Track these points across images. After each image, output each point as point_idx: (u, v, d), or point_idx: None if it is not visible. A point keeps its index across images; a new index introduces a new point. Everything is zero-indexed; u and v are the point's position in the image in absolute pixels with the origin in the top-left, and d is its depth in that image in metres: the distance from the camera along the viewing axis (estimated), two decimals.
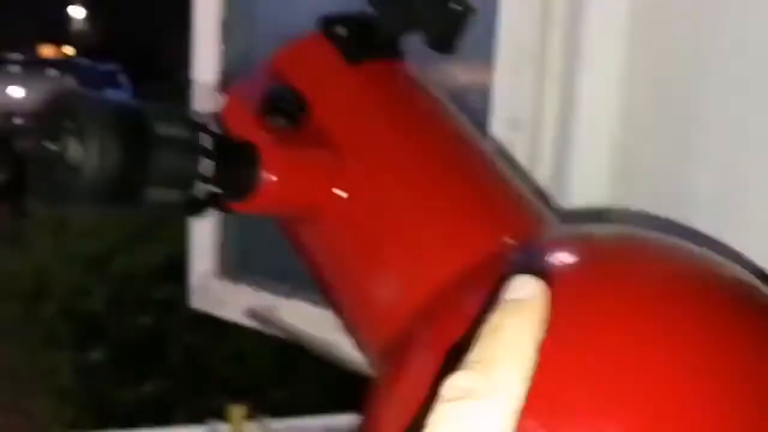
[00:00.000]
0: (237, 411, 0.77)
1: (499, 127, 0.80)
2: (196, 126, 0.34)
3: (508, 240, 0.41)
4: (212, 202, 0.36)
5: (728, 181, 0.60)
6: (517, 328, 0.22)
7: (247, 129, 0.40)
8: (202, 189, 0.35)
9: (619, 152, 0.71)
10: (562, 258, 0.40)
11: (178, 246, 1.15)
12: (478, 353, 0.21)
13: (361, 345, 0.45)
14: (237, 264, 1.13)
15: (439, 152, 0.43)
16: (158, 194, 0.33)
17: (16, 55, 9.03)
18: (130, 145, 0.31)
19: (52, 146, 0.31)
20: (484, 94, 0.82)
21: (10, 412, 2.28)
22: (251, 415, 0.78)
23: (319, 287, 0.47)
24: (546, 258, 0.39)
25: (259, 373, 1.90)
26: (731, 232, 0.58)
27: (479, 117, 0.83)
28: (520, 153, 0.79)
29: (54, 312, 2.23)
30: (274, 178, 0.40)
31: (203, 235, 1.13)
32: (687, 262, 0.40)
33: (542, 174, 0.79)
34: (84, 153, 0.30)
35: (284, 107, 0.40)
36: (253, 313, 1.08)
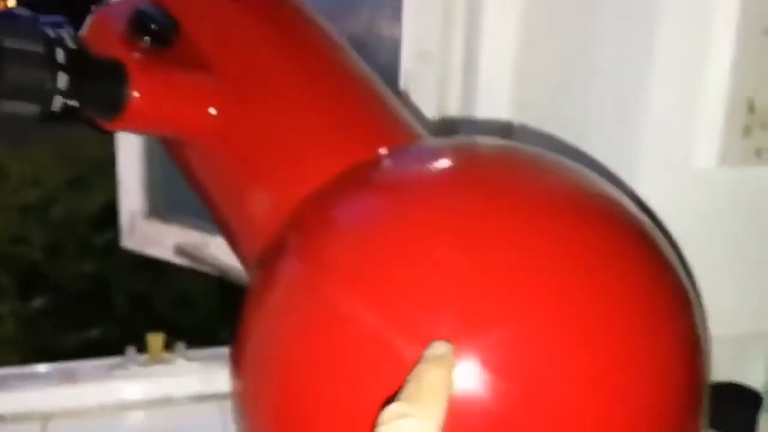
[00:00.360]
0: (155, 340, 0.78)
1: (409, 59, 0.81)
2: (50, 41, 0.35)
3: (382, 151, 0.43)
4: (75, 116, 0.37)
5: (620, 107, 0.62)
6: (435, 374, 0.30)
7: (116, 48, 0.40)
8: (59, 103, 0.35)
9: (521, 80, 0.73)
10: (435, 164, 0.41)
11: (115, 192, 1.15)
12: (407, 392, 0.29)
13: (243, 260, 0.47)
14: (165, 203, 1.13)
15: (312, 69, 0.45)
16: (12, 106, 0.34)
17: None
18: None
19: None
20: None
21: None
22: (169, 344, 0.80)
23: (205, 206, 0.48)
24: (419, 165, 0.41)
25: (204, 314, 1.92)
26: (624, 156, 0.61)
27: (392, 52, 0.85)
28: (430, 84, 0.81)
29: None
30: (143, 96, 0.40)
31: (130, 176, 1.13)
32: (559, 174, 0.42)
33: (452, 102, 0.81)
34: None
35: (154, 27, 0.40)
36: (182, 250, 1.10)
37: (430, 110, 0.82)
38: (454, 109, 0.81)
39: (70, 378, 0.80)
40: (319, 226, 0.39)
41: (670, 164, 0.59)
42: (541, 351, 0.32)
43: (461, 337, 0.32)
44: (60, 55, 0.35)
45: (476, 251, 0.35)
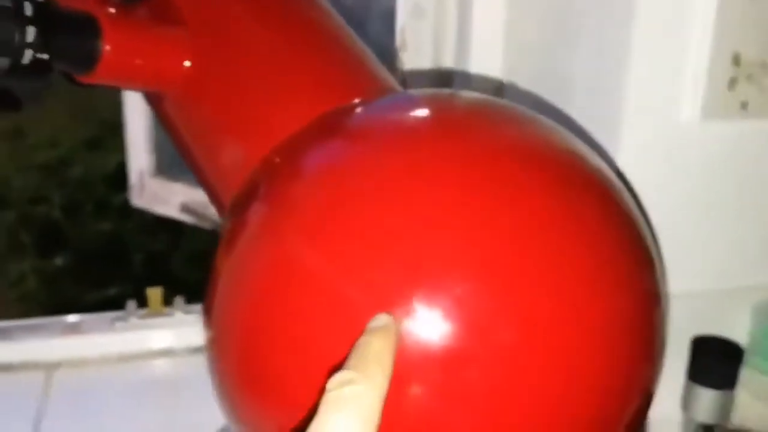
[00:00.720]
0: (154, 294, 0.80)
1: (405, 15, 0.81)
2: None
3: (355, 101, 0.43)
4: (46, 69, 0.38)
5: (603, 61, 0.62)
6: (379, 343, 0.31)
7: (88, 2, 0.41)
8: (29, 56, 0.36)
9: (511, 36, 0.73)
10: (405, 114, 0.42)
11: None
12: (353, 360, 0.30)
13: (219, 211, 0.48)
14: (171, 162, 1.15)
15: (285, 21, 0.45)
16: None
17: None
18: None
19: None
20: None
21: None
22: (168, 299, 0.82)
23: (184, 160, 0.49)
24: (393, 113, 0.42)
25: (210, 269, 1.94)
26: (607, 111, 0.61)
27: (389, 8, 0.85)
28: (425, 39, 0.81)
29: (14, 220, 2.25)
30: (116, 50, 0.41)
31: (138, 135, 1.15)
32: (529, 130, 0.42)
33: (446, 59, 0.81)
34: None
35: None
36: (187, 208, 1.11)
37: (426, 64, 0.82)
38: (448, 64, 0.81)
39: (74, 330, 0.82)
40: (285, 172, 0.40)
41: (654, 118, 0.59)
42: (495, 299, 0.33)
43: (411, 285, 0.33)
44: (28, 8, 0.36)
45: (429, 203, 0.35)
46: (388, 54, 0.81)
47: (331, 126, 0.41)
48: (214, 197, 0.48)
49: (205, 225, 1.09)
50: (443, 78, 0.80)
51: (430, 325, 0.33)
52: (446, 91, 0.50)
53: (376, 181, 0.37)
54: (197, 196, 1.10)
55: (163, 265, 2.04)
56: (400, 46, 0.82)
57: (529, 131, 0.42)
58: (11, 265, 2.32)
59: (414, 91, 0.46)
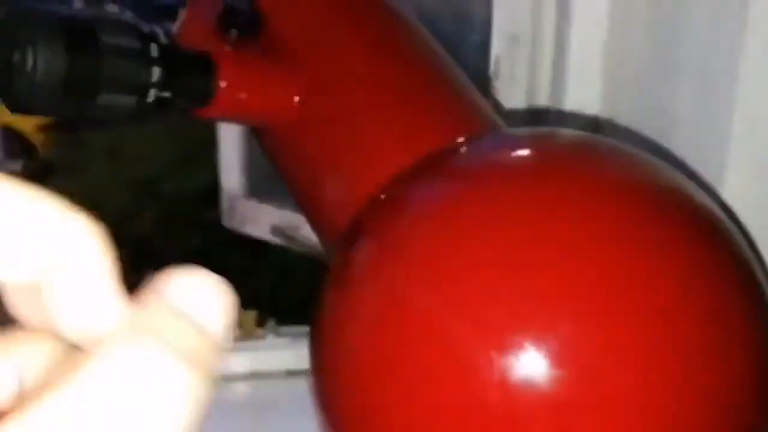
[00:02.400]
0: (248, 317, 0.82)
1: (499, 44, 0.81)
2: (145, 36, 0.38)
3: (459, 140, 0.44)
4: (168, 107, 0.40)
5: (709, 101, 0.61)
6: None
7: (205, 41, 0.43)
8: (153, 95, 0.38)
9: (609, 66, 0.72)
10: (510, 154, 0.42)
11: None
12: None
13: (323, 243, 0.49)
14: (263, 184, 1.17)
15: (393, 59, 0.46)
16: (110, 99, 0.37)
17: None
18: (76, 53, 0.34)
19: (12, 56, 0.35)
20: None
21: None
22: (262, 322, 0.83)
23: (288, 189, 0.50)
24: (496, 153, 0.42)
25: (299, 292, 1.97)
26: (710, 152, 0.59)
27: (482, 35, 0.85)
28: (520, 68, 0.81)
29: (109, 233, 2.33)
30: (231, 87, 0.43)
31: (231, 157, 1.18)
32: (635, 168, 0.42)
33: (541, 86, 0.80)
34: (33, 60, 0.34)
35: (240, 19, 0.43)
36: (278, 231, 1.14)
37: (520, 94, 0.82)
38: (542, 94, 0.80)
39: None
40: (392, 212, 0.41)
41: (761, 152, 0.57)
42: (600, 343, 0.33)
43: (523, 325, 0.33)
44: (154, 50, 0.38)
45: (543, 243, 0.35)
46: (480, 83, 0.81)
47: (438, 165, 0.42)
48: (317, 228, 0.49)
49: (295, 247, 1.11)
50: (536, 112, 0.80)
51: (539, 368, 0.32)
52: (548, 129, 0.50)
53: (484, 222, 0.37)
54: (288, 218, 1.12)
55: (249, 282, 2.08)
56: (494, 75, 0.82)
57: (635, 169, 0.41)
58: None
59: (516, 130, 0.46)
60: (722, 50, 0.58)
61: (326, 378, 0.41)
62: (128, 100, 0.38)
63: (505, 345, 0.33)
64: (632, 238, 0.35)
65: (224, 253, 2.15)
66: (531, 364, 0.32)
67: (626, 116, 0.71)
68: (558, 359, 0.32)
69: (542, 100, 0.80)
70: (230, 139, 1.16)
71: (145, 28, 0.38)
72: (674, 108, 0.64)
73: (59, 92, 0.35)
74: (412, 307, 0.36)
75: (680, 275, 0.35)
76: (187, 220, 2.22)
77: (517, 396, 0.33)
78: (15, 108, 0.36)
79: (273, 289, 2.09)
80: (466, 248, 0.36)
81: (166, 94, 0.39)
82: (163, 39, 0.38)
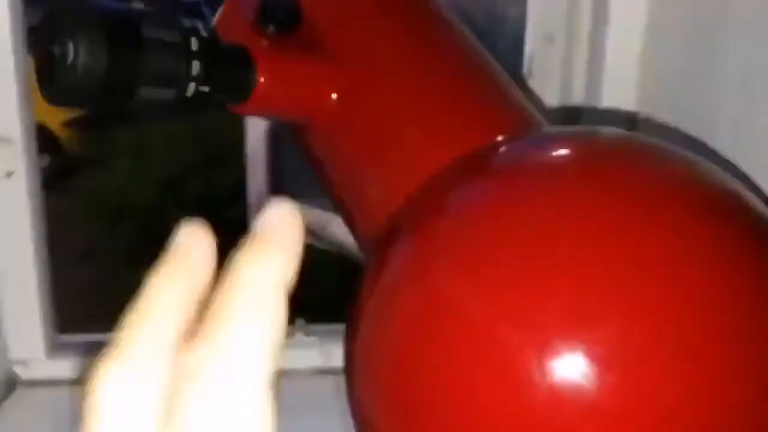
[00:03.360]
0: None
1: (534, 42, 0.80)
2: (185, 30, 0.37)
3: (499, 138, 0.43)
4: (207, 101, 0.39)
5: (748, 100, 0.60)
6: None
7: (243, 35, 0.42)
8: (192, 89, 0.38)
9: (646, 66, 0.71)
10: (552, 153, 0.41)
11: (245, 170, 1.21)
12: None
13: (359, 242, 0.48)
14: (289, 182, 1.17)
15: (432, 56, 0.45)
16: (150, 93, 0.36)
17: None
18: (118, 47, 0.34)
19: (54, 49, 0.35)
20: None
21: (108, 323, 2.44)
22: (291, 319, 0.83)
23: (323, 188, 0.50)
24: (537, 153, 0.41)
25: (325, 290, 1.97)
26: (748, 149, 0.58)
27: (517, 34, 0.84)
28: (554, 66, 0.80)
29: (134, 230, 2.35)
30: (269, 81, 0.42)
31: (258, 156, 1.18)
32: (679, 168, 0.41)
33: (576, 86, 0.79)
34: (75, 54, 0.33)
35: (279, 13, 0.42)
36: (305, 228, 1.13)
37: (554, 94, 0.81)
38: (577, 93, 0.79)
39: None
40: (432, 211, 0.40)
41: None
42: (649, 348, 0.32)
43: (570, 329, 0.32)
44: (194, 44, 0.37)
45: (589, 244, 0.34)
46: (515, 81, 0.80)
47: (478, 165, 0.41)
48: (353, 227, 0.48)
49: (322, 245, 1.10)
50: (571, 110, 0.79)
51: (588, 373, 0.32)
52: (589, 127, 0.49)
53: (527, 222, 0.36)
54: (315, 216, 1.12)
55: None
56: (528, 73, 0.81)
57: (680, 167, 0.40)
58: (130, 275, 2.41)
59: (558, 129, 0.45)
60: (763, 47, 0.57)
61: (362, 379, 0.40)
62: (167, 94, 0.37)
63: (552, 349, 0.32)
64: (684, 240, 0.34)
65: None
66: (579, 370, 0.32)
67: (663, 114, 0.70)
68: (607, 365, 0.32)
69: (577, 98, 0.79)
70: (257, 138, 1.15)
71: (186, 22, 0.38)
72: (713, 106, 0.63)
73: (100, 86, 0.34)
74: (452, 308, 0.35)
75: (736, 280, 0.34)
76: (213, 218, 2.23)
77: (564, 402, 0.32)
78: (55, 101, 0.36)
79: (299, 288, 2.09)
80: (508, 249, 0.35)
81: (205, 89, 0.38)
82: (203, 33, 0.38)
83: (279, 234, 0.24)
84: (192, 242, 0.25)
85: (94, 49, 0.33)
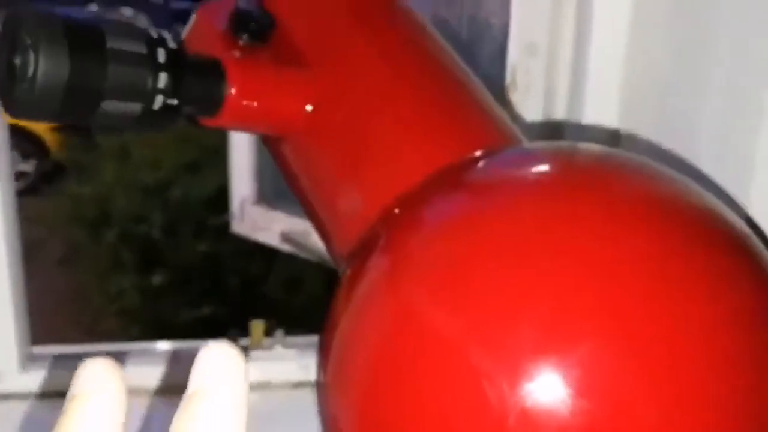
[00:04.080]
0: (257, 326, 0.81)
1: (517, 52, 0.80)
2: (152, 41, 0.36)
3: (476, 153, 0.42)
4: (175, 114, 0.38)
5: (732, 117, 0.59)
6: None
7: (214, 46, 0.41)
8: (159, 102, 0.37)
9: (629, 75, 0.71)
10: (528, 169, 0.41)
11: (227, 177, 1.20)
12: None
13: (333, 255, 0.47)
14: (273, 191, 1.16)
15: (409, 68, 0.44)
16: (115, 106, 0.35)
17: None
18: (80, 58, 0.33)
19: (15, 60, 0.34)
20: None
21: (84, 332, 2.43)
22: (270, 331, 0.82)
23: (298, 199, 0.49)
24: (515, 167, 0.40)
25: (310, 300, 1.97)
26: (729, 167, 0.57)
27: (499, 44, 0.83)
28: (537, 77, 0.79)
29: (116, 238, 2.33)
30: (241, 93, 0.41)
31: (242, 163, 1.17)
32: (658, 186, 0.40)
33: (558, 97, 0.79)
34: (35, 65, 0.32)
35: (251, 24, 0.41)
36: (288, 238, 1.12)
37: (537, 105, 0.80)
38: (560, 104, 0.79)
39: (173, 357, 0.83)
40: (406, 226, 0.39)
41: None
42: (625, 371, 0.31)
43: (543, 351, 0.32)
44: (161, 55, 0.36)
45: (564, 263, 0.34)
46: (497, 93, 0.79)
47: (455, 179, 0.40)
48: (327, 239, 0.47)
49: (305, 255, 1.09)
50: (554, 125, 0.78)
51: (561, 396, 0.31)
52: (569, 143, 0.49)
53: (503, 238, 0.35)
54: (298, 225, 1.11)
55: (256, 288, 2.07)
56: (510, 84, 0.81)
57: (660, 185, 0.40)
58: (112, 280, 2.40)
59: (536, 144, 0.45)
60: (750, 62, 0.57)
61: (334, 392, 0.39)
62: (134, 107, 0.36)
63: (524, 371, 0.31)
64: (660, 259, 0.34)
65: (232, 259, 2.14)
66: (551, 392, 0.31)
67: (646, 129, 0.69)
68: (581, 388, 0.31)
69: (560, 111, 0.78)
70: (242, 146, 1.14)
71: (153, 33, 0.37)
72: (697, 121, 0.62)
73: (62, 98, 0.33)
74: (425, 324, 0.34)
75: (716, 300, 0.33)
76: (195, 225, 2.22)
77: (536, 425, 0.31)
78: (16, 114, 0.35)
79: (280, 294, 2.09)
80: (483, 266, 0.35)
81: (174, 102, 0.37)
82: (171, 44, 0.37)
83: (222, 388, 0.21)
84: (96, 387, 0.21)
85: (55, 60, 0.32)
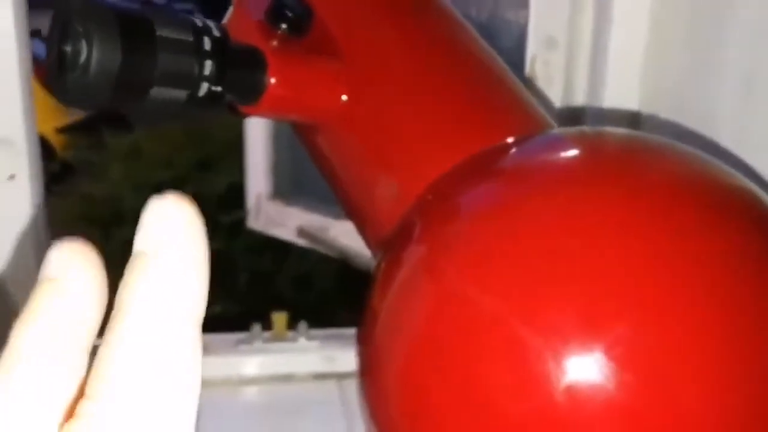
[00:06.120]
0: (279, 318, 0.81)
1: (535, 45, 0.80)
2: (198, 30, 0.37)
3: (508, 139, 0.43)
4: (218, 101, 0.39)
5: (752, 98, 0.60)
6: None
7: (253, 36, 0.42)
8: (204, 89, 0.37)
9: (649, 67, 0.71)
10: (561, 154, 0.41)
11: (242, 173, 1.20)
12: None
13: (369, 242, 0.48)
14: (289, 186, 1.17)
15: (442, 57, 0.45)
16: (162, 93, 0.36)
17: None
18: (132, 47, 0.34)
19: (66, 48, 0.35)
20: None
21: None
22: (292, 323, 0.83)
23: (332, 189, 0.49)
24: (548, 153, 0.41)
25: (323, 295, 1.97)
26: (751, 147, 0.58)
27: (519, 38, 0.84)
28: (556, 71, 0.80)
29: (129, 236, 2.33)
30: (280, 82, 0.42)
31: (257, 159, 1.17)
32: (688, 166, 0.41)
33: (578, 90, 0.79)
34: (89, 52, 0.33)
35: (289, 14, 0.42)
36: (304, 233, 1.13)
37: (556, 97, 0.81)
38: (580, 96, 0.79)
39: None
40: (442, 211, 0.40)
41: None
42: (667, 346, 0.32)
43: (587, 327, 0.32)
44: (207, 44, 0.37)
45: (601, 241, 0.34)
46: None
47: (488, 165, 0.41)
48: (363, 228, 0.48)
49: (321, 249, 1.10)
50: (574, 110, 0.79)
51: (606, 372, 0.31)
52: (597, 128, 0.49)
53: (539, 220, 0.36)
54: (313, 219, 1.12)
55: (268, 284, 2.08)
56: (530, 76, 0.81)
57: (688, 165, 0.40)
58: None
59: (567, 129, 0.45)
60: (766, 45, 0.57)
61: (376, 381, 0.40)
62: (179, 94, 0.37)
63: (570, 346, 0.32)
64: (697, 238, 0.34)
65: (244, 255, 2.15)
66: (596, 367, 0.31)
67: (666, 115, 0.70)
68: (624, 363, 0.31)
69: (579, 102, 0.79)
70: (257, 141, 1.15)
71: (198, 21, 0.38)
72: (717, 105, 0.63)
73: (114, 86, 0.34)
74: (470, 306, 0.35)
75: (751, 276, 0.34)
76: (209, 222, 2.22)
77: (582, 402, 0.31)
78: (66, 101, 0.36)
79: (295, 291, 2.09)
80: (521, 248, 0.35)
81: (218, 89, 0.38)
82: (215, 32, 0.38)
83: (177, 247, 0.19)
84: (69, 271, 0.19)
85: (108, 49, 0.33)
